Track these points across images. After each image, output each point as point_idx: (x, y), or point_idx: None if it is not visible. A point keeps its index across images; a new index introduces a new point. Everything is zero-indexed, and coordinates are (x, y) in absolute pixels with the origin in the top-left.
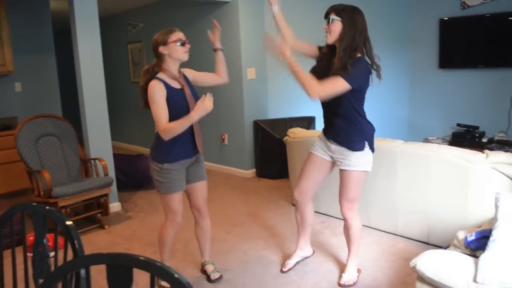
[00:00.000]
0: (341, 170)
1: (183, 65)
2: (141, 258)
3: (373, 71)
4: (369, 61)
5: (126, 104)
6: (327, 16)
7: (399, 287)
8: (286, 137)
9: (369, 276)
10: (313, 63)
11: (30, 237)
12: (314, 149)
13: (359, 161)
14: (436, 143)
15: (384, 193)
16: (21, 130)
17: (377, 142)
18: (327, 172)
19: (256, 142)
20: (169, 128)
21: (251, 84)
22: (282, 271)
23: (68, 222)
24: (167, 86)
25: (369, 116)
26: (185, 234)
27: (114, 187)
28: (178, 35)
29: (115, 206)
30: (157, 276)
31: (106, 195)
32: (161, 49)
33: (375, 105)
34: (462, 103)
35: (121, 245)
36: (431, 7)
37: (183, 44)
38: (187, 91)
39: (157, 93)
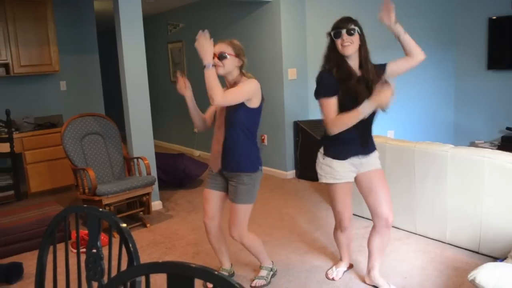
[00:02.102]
0: (371, 171)
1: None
2: (202, 268)
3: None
4: None
5: (166, 103)
6: (344, 27)
7: None
8: None
9: (416, 285)
10: None
11: (76, 234)
12: (340, 178)
13: (378, 159)
14: (483, 147)
15: (432, 199)
16: (67, 128)
17: (426, 146)
18: None
19: (296, 143)
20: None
21: (292, 84)
22: (332, 279)
23: (123, 225)
24: None
25: (413, 119)
26: None
27: (156, 186)
28: (216, 48)
29: (156, 205)
30: (219, 287)
31: (148, 193)
32: None
33: (419, 107)
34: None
35: (163, 244)
36: (479, 5)
37: (217, 57)
38: None
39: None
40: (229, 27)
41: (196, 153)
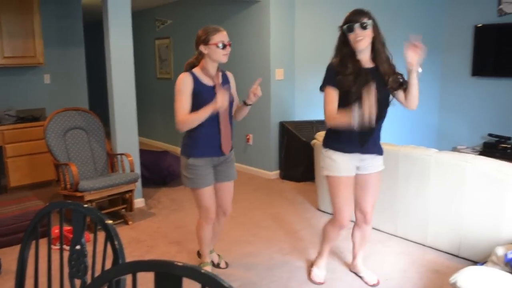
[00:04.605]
0: (371, 174)
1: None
2: (191, 266)
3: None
4: None
5: (151, 100)
6: (357, 21)
7: None
8: (314, 141)
9: (398, 287)
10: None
11: (56, 230)
12: (340, 171)
13: (382, 160)
14: (465, 152)
15: (414, 202)
16: (50, 122)
17: (410, 150)
18: None
19: (282, 143)
20: (186, 119)
21: (279, 85)
22: (319, 283)
23: (108, 221)
24: (196, 80)
25: (398, 123)
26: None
27: (139, 183)
28: (221, 36)
29: (138, 202)
30: (208, 286)
31: (131, 191)
32: (202, 47)
33: (403, 111)
34: (494, 112)
35: (145, 242)
36: (466, 13)
37: (224, 47)
38: (220, 89)
39: (182, 84)
40: (217, 24)
41: None
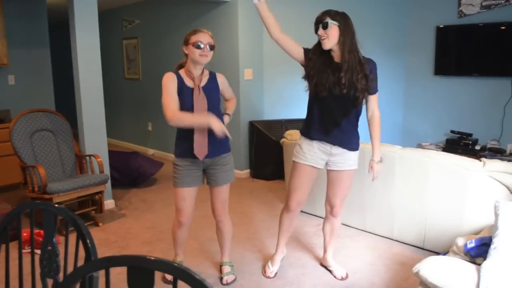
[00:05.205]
0: (342, 171)
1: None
2: (163, 260)
3: None
4: None
5: (120, 100)
6: (320, 22)
7: None
8: (283, 139)
9: (366, 279)
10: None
11: (24, 233)
12: (305, 160)
13: (356, 160)
14: (429, 149)
15: (380, 198)
16: (16, 124)
17: None
18: (316, 178)
19: (251, 143)
20: (177, 115)
21: (248, 84)
22: (268, 277)
23: (80, 221)
24: (180, 80)
25: (363, 121)
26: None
27: (108, 184)
28: (199, 37)
29: (108, 204)
30: (180, 279)
31: (101, 192)
32: (184, 48)
33: None
34: (456, 110)
35: (116, 243)
36: (428, 14)
37: (203, 47)
38: (197, 92)
39: (167, 81)
40: (185, 25)
41: (150, 151)
